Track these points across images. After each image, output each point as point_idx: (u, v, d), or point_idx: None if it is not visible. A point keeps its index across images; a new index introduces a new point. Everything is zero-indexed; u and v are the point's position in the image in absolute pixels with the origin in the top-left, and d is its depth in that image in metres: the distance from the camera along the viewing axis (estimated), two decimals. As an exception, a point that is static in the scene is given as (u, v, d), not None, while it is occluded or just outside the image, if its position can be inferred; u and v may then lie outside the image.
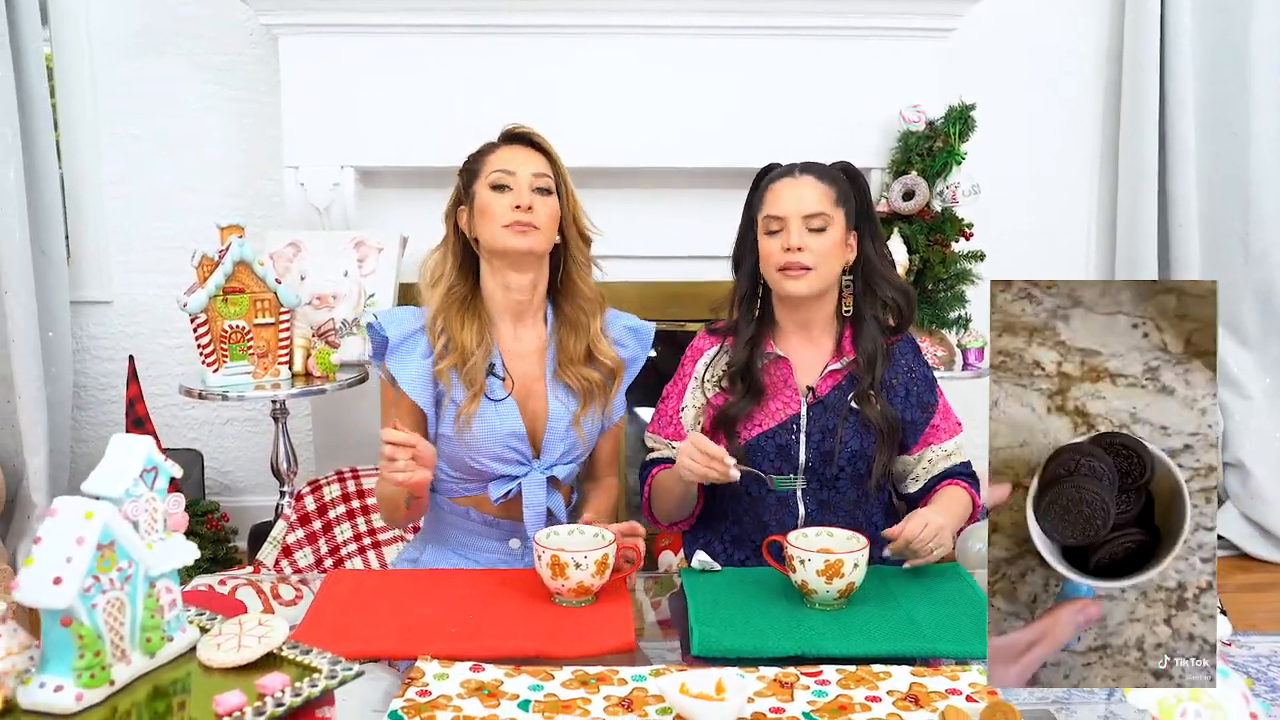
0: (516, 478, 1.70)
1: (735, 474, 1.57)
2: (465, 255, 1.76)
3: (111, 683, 1.03)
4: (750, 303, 1.78)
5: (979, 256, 2.93)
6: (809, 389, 1.74)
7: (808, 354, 1.76)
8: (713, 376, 1.79)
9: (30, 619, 1.08)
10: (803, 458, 1.72)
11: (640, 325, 1.86)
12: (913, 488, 1.81)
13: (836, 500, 1.73)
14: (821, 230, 1.69)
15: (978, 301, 2.90)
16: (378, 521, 2.57)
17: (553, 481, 1.73)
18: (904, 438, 1.77)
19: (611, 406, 1.79)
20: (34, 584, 0.97)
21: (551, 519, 1.72)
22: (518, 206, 1.67)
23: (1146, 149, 3.18)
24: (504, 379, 1.70)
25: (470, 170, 1.75)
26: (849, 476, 1.73)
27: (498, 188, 1.70)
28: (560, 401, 1.73)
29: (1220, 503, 3.36)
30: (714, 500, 1.80)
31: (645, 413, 3.30)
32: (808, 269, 1.68)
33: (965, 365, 2.92)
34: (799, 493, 1.73)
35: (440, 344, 1.69)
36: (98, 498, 1.04)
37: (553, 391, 1.73)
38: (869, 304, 1.76)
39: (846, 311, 1.76)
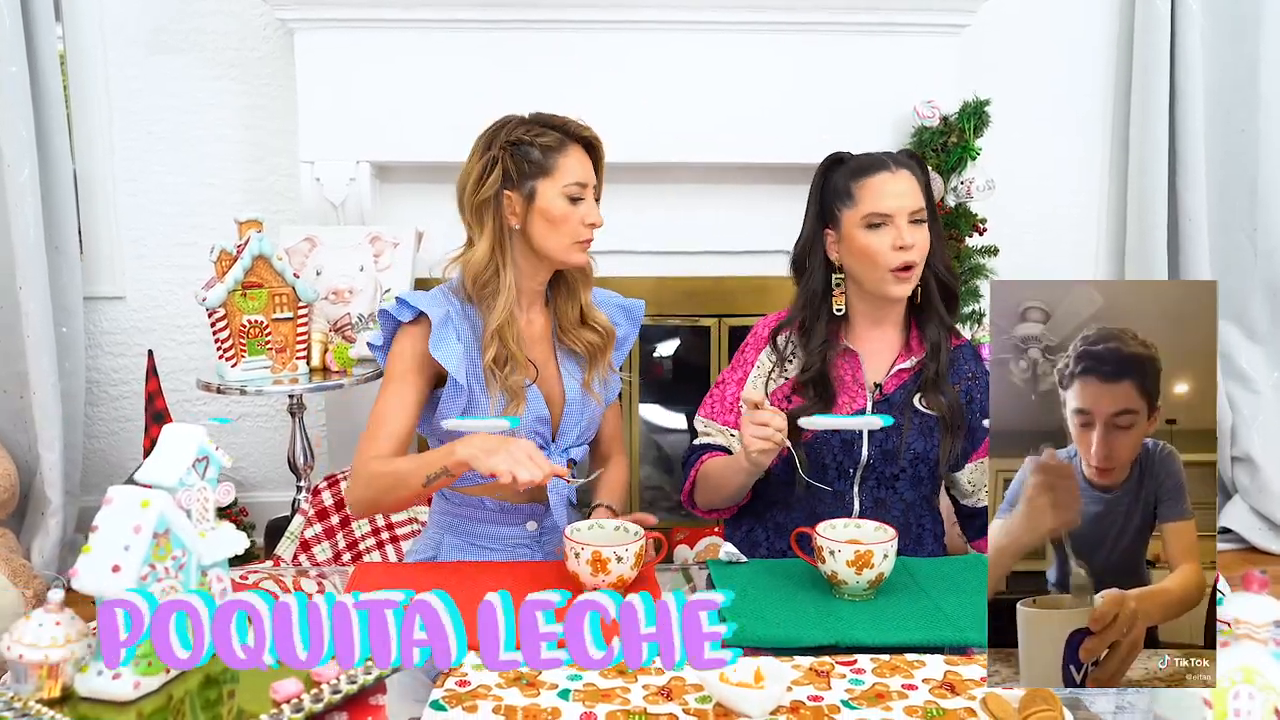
0: None
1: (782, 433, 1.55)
2: (503, 250, 1.67)
3: (167, 670, 1.04)
4: (823, 302, 1.74)
5: (993, 251, 2.95)
6: (876, 386, 1.73)
7: (877, 348, 1.74)
8: (779, 371, 1.74)
9: (83, 607, 1.08)
10: (865, 454, 1.71)
11: (630, 303, 1.86)
12: (984, 499, 1.80)
13: (892, 500, 1.72)
14: (922, 223, 1.67)
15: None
16: (395, 516, 2.58)
17: (568, 464, 1.74)
18: (964, 444, 1.76)
19: (610, 378, 1.79)
20: (93, 572, 0.98)
21: (566, 500, 1.75)
22: (591, 224, 1.67)
23: (1157, 145, 3.19)
24: (526, 367, 1.70)
25: (533, 162, 1.64)
26: (909, 479, 1.72)
27: (576, 200, 1.65)
28: (571, 375, 1.74)
29: (1228, 497, 3.38)
30: (766, 486, 1.76)
31: (648, 410, 3.33)
32: (913, 266, 1.66)
33: (982, 361, 2.93)
34: (856, 489, 1.72)
35: (491, 354, 1.64)
36: (151, 486, 1.05)
37: (563, 366, 1.74)
38: (927, 293, 1.72)
39: (917, 300, 1.72)
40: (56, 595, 1.01)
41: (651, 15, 2.91)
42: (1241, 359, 3.36)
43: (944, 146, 2.88)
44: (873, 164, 1.69)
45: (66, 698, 1.01)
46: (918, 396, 1.72)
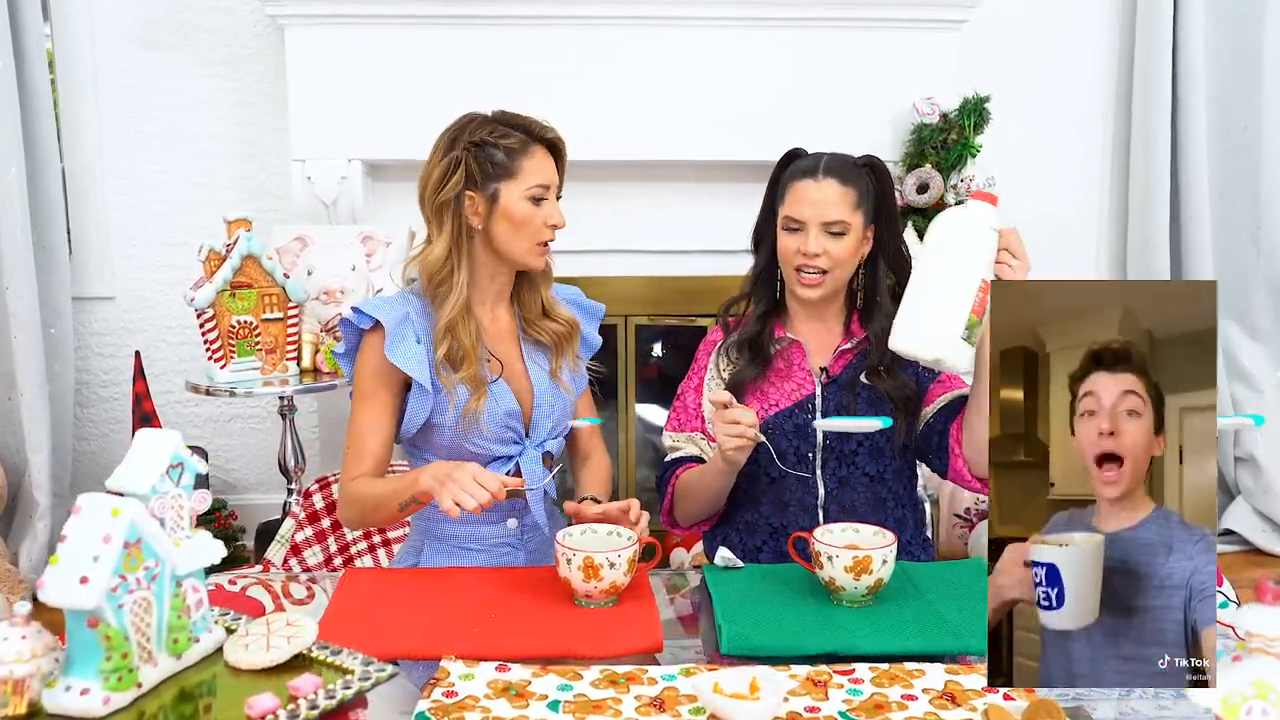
0: (512, 457, 1.70)
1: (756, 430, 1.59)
2: (459, 249, 1.66)
3: (139, 685, 1.00)
4: (768, 282, 1.80)
5: (993, 250, 2.91)
6: (822, 369, 1.77)
7: (819, 338, 1.79)
8: (725, 363, 1.81)
9: (50, 619, 1.05)
10: (820, 435, 1.73)
11: (591, 304, 1.85)
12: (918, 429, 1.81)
13: (856, 477, 1.75)
14: (840, 235, 1.70)
15: (991, 296, 2.89)
16: (387, 519, 2.55)
17: (544, 458, 1.73)
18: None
19: (578, 365, 1.79)
20: (60, 584, 0.94)
21: (545, 494, 1.73)
22: (554, 225, 1.66)
23: (1159, 142, 3.16)
24: (490, 361, 1.69)
25: (496, 164, 1.63)
26: (867, 451, 1.74)
27: (538, 200, 1.64)
28: (539, 365, 1.73)
29: (1231, 498, 3.35)
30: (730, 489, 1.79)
31: (645, 409, 3.30)
32: (823, 273, 1.71)
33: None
34: (818, 471, 1.74)
35: (443, 350, 1.64)
36: (123, 494, 1.01)
37: (530, 359, 1.73)
38: (878, 293, 1.78)
39: (858, 305, 1.78)
40: (23, 608, 0.98)
41: (647, 11, 2.87)
42: (1244, 358, 3.33)
43: (944, 144, 2.84)
44: (805, 169, 1.73)
45: (33, 714, 0.98)
46: (863, 374, 1.75)
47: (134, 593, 0.99)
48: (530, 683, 1.21)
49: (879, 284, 1.77)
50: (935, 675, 1.24)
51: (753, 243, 1.84)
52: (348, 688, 1.00)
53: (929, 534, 1.91)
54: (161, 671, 1.04)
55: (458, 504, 1.42)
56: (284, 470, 2.71)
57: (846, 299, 1.80)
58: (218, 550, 1.09)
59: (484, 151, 1.62)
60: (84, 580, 0.93)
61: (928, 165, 2.84)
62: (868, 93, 2.93)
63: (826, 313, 1.79)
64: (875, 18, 2.90)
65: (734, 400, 1.61)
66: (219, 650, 1.11)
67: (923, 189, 2.84)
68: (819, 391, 1.74)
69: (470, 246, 1.66)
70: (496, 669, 1.24)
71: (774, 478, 1.74)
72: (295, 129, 2.90)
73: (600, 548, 1.44)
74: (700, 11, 2.89)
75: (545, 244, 1.67)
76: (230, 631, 1.12)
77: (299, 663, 1.06)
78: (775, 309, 1.80)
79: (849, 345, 1.77)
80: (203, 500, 1.08)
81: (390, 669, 1.05)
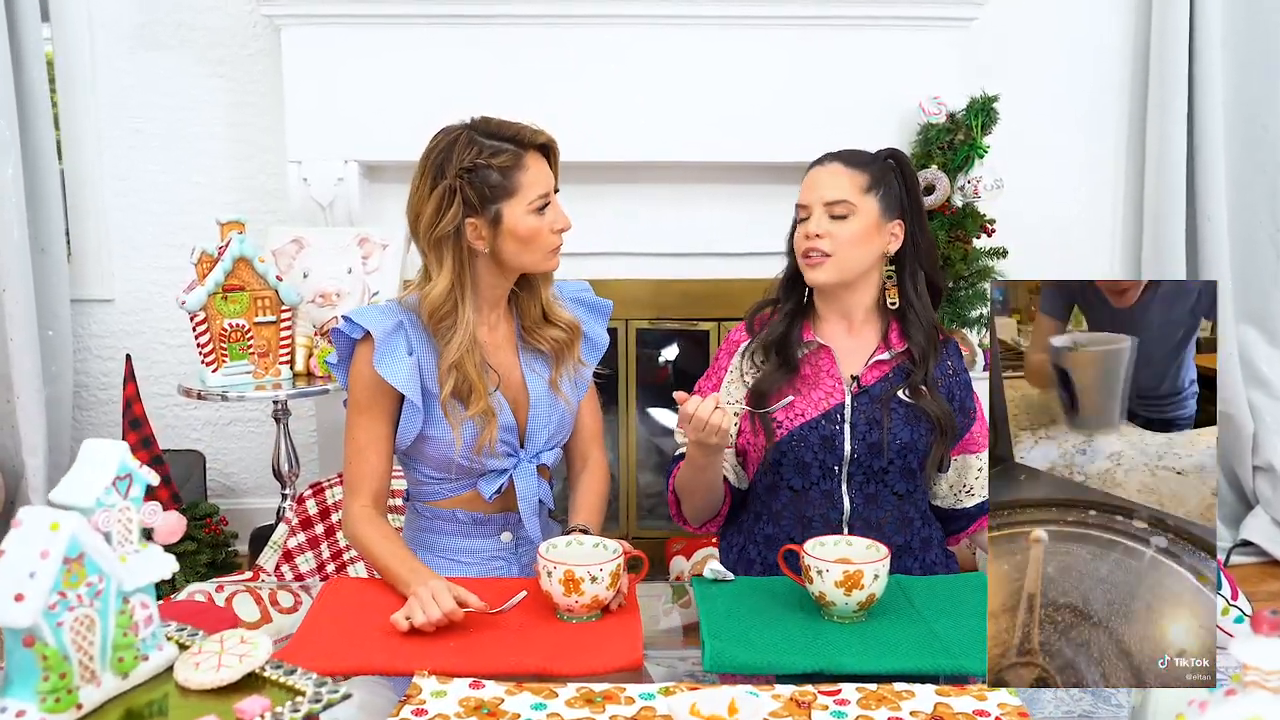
0: (506, 470, 1.64)
1: (722, 406, 1.53)
2: (462, 283, 1.59)
3: (79, 706, 0.96)
4: (796, 285, 1.75)
5: (1001, 253, 2.85)
6: (854, 378, 1.69)
7: (850, 344, 1.72)
8: (750, 365, 1.74)
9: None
10: (848, 449, 1.66)
11: (599, 302, 1.79)
12: (968, 501, 1.76)
13: (883, 495, 1.68)
14: (843, 218, 1.65)
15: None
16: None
17: (539, 470, 1.68)
18: None
19: (580, 370, 1.72)
20: (-6, 601, 0.90)
21: (541, 506, 1.68)
22: (560, 230, 1.61)
23: (1174, 142, 3.09)
24: (488, 374, 1.63)
25: (493, 186, 1.54)
26: (899, 470, 1.67)
27: (542, 209, 1.58)
28: (536, 374, 1.66)
29: (1249, 508, 3.27)
30: (751, 498, 1.74)
31: (657, 413, 3.25)
32: (826, 256, 1.65)
33: (987, 365, 2.84)
34: (844, 486, 1.67)
35: (450, 386, 1.57)
36: (67, 508, 0.97)
37: (528, 367, 1.67)
38: (916, 295, 1.71)
39: (892, 304, 1.71)
40: (-42, 625, 0.94)
41: (647, 10, 2.83)
42: (1263, 364, 3.25)
43: (950, 144, 2.79)
44: (817, 160, 1.72)
45: (-33, 737, 0.94)
46: (903, 390, 1.68)
47: (75, 610, 0.95)
48: (503, 700, 1.18)
49: (917, 285, 1.71)
50: (925, 697, 1.20)
51: (787, 249, 1.78)
52: (296, 710, 0.96)
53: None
54: (106, 691, 1.00)
55: (408, 618, 1.35)
56: (278, 475, 2.68)
57: (879, 304, 1.72)
58: (168, 565, 1.05)
59: (478, 175, 1.53)
60: (19, 598, 0.89)
61: (934, 166, 2.78)
62: (872, 93, 2.88)
63: (854, 312, 1.71)
64: (882, 16, 2.84)
65: (682, 395, 1.55)
66: (172, 669, 1.07)
67: (929, 190, 2.78)
68: (849, 401, 1.66)
69: (473, 270, 1.59)
70: (470, 685, 1.21)
71: (796, 490, 1.67)
72: (292, 130, 2.88)
73: (583, 560, 1.40)
74: (702, 10, 2.84)
75: (558, 249, 1.62)
76: (184, 648, 1.08)
77: (251, 682, 1.02)
78: (804, 311, 1.74)
79: (885, 356, 1.69)
80: (152, 513, 1.04)
81: (343, 690, 1.01)
